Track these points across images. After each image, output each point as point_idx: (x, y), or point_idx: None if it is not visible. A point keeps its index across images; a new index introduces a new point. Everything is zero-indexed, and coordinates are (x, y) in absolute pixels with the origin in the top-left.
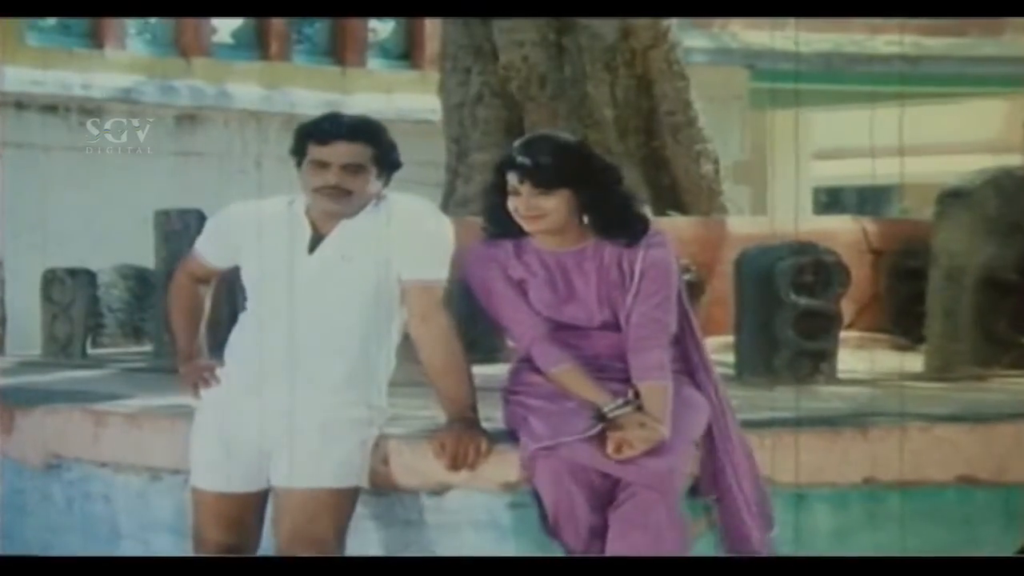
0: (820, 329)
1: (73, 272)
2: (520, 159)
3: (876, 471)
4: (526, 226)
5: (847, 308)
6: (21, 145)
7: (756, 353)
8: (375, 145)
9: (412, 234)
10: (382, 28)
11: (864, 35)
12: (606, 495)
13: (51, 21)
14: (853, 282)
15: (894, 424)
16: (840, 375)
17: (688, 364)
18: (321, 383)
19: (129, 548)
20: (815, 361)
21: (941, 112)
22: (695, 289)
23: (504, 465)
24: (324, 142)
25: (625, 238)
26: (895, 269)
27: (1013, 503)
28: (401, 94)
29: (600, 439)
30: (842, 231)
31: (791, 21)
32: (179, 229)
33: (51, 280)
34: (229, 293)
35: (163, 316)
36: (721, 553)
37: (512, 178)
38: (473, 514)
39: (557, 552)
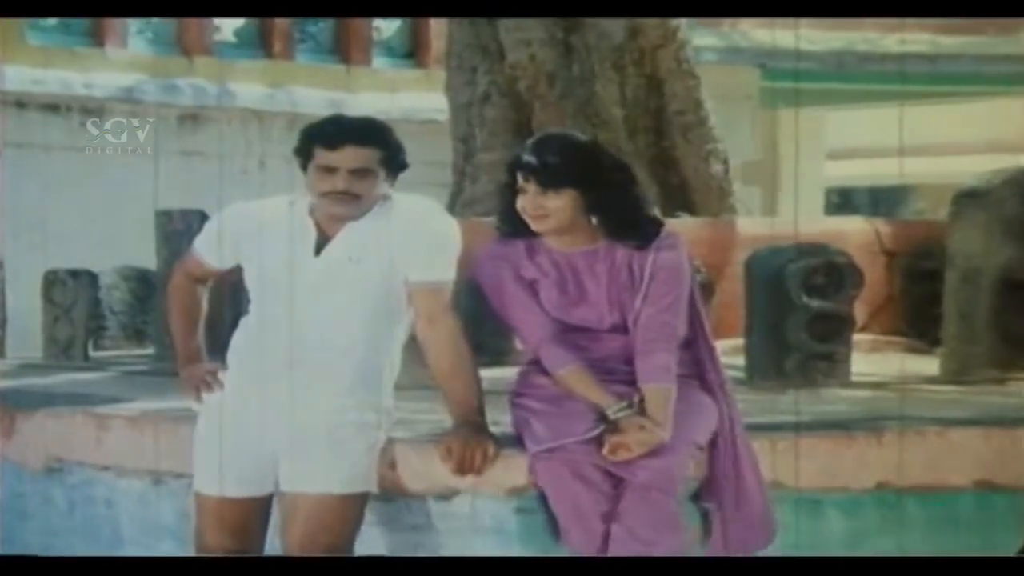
0: (832, 332)
1: (74, 273)
2: (525, 158)
3: (891, 476)
4: (533, 225)
5: (860, 310)
6: (22, 145)
7: (767, 356)
8: (383, 148)
9: (419, 235)
10: (387, 26)
11: (877, 33)
12: (610, 498)
13: (52, 20)
14: (866, 284)
15: (909, 428)
16: (853, 378)
17: (699, 368)
18: (327, 386)
19: (131, 553)
20: (827, 364)
21: (957, 111)
22: (704, 291)
23: (511, 469)
24: (332, 147)
25: (635, 240)
26: (909, 271)
27: None
28: (406, 93)
29: (600, 441)
30: (854, 232)
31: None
32: (181, 230)
33: (52, 281)
34: (231, 295)
35: (164, 318)
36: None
37: (520, 176)
38: (480, 519)
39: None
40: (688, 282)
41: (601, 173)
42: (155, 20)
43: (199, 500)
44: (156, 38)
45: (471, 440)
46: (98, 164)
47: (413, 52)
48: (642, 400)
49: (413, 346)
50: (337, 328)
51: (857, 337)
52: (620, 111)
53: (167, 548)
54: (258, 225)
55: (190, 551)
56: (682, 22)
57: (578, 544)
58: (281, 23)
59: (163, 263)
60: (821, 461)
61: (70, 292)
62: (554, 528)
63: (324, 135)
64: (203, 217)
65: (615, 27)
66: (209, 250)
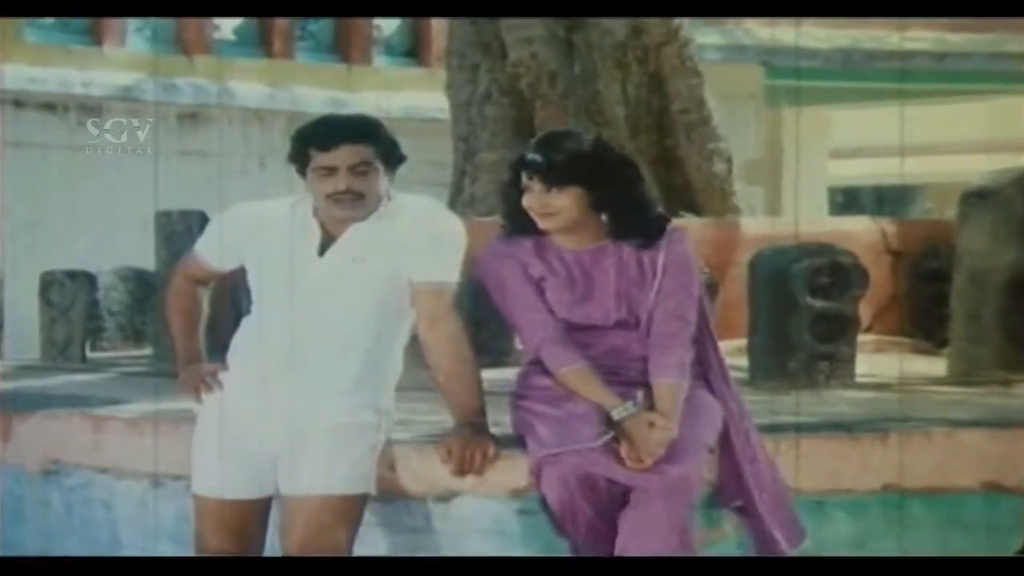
0: (837, 332)
1: (72, 274)
2: (530, 156)
3: (896, 478)
4: (540, 223)
5: (865, 311)
6: (19, 144)
7: (770, 357)
8: (377, 143)
9: (422, 236)
10: (388, 25)
11: (884, 31)
12: (614, 502)
13: (49, 18)
14: (871, 284)
15: (915, 429)
16: (858, 379)
17: (704, 367)
18: (329, 387)
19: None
20: (831, 365)
21: (965, 110)
22: (708, 291)
23: (512, 471)
24: (327, 147)
25: (642, 237)
26: (916, 271)
27: None
28: (407, 92)
29: (608, 447)
30: (860, 232)
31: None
32: (180, 230)
33: (49, 282)
34: (232, 295)
35: (163, 319)
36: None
37: (524, 175)
38: (481, 521)
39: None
40: (698, 275)
41: (607, 171)
42: (154, 18)
43: (198, 502)
44: (155, 36)
45: (472, 441)
46: (96, 164)
47: (414, 51)
48: (646, 396)
49: (413, 347)
50: (339, 329)
51: (862, 338)
52: (622, 110)
53: (166, 551)
54: (261, 226)
55: (189, 554)
56: (685, 20)
57: (576, 547)
58: (281, 21)
59: (162, 264)
60: (825, 463)
61: (68, 293)
62: (554, 529)
63: (317, 137)
64: (203, 217)
65: (618, 25)
66: (211, 252)
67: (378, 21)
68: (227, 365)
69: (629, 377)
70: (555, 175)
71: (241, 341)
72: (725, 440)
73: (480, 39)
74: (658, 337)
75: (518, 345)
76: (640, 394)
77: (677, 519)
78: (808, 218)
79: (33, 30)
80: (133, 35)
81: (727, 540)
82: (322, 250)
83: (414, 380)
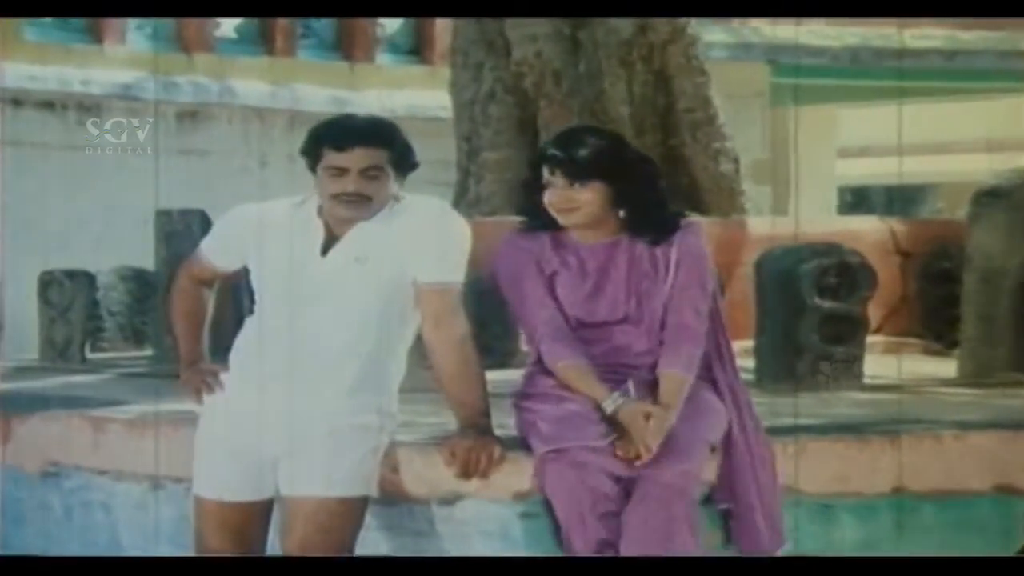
0: (845, 333)
1: (71, 274)
2: (552, 151)
3: (906, 480)
4: (561, 219)
5: (874, 311)
6: (18, 143)
7: (778, 358)
8: (392, 148)
9: (427, 236)
10: (391, 23)
11: (893, 29)
12: (618, 502)
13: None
14: (880, 284)
15: (926, 431)
16: (867, 381)
17: (714, 364)
18: (331, 388)
19: None
20: (840, 366)
21: (975, 108)
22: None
23: (517, 474)
24: (341, 148)
25: (657, 233)
26: (926, 271)
27: None
28: (410, 90)
29: (612, 445)
30: (868, 232)
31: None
32: (181, 229)
33: (48, 282)
34: (234, 296)
35: (164, 319)
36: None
37: (546, 170)
38: (484, 524)
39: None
40: (712, 271)
41: (628, 166)
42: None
43: (199, 504)
44: (155, 34)
45: (476, 443)
46: (95, 163)
47: (417, 49)
48: (640, 388)
49: (417, 348)
50: (343, 329)
51: (871, 339)
52: (627, 109)
53: (166, 553)
54: (265, 226)
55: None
56: (691, 18)
57: (579, 548)
58: (283, 20)
59: (162, 263)
60: (833, 465)
61: (67, 293)
62: (558, 533)
63: (333, 136)
64: (203, 217)
65: (623, 23)
66: (215, 252)
67: (381, 19)
68: (228, 366)
69: (632, 375)
70: (579, 169)
71: (243, 342)
72: (727, 441)
73: (484, 37)
74: (670, 330)
75: (523, 346)
76: (631, 384)
77: (679, 516)
78: (815, 218)
79: (32, 28)
80: (133, 33)
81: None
82: (325, 250)
83: (418, 381)
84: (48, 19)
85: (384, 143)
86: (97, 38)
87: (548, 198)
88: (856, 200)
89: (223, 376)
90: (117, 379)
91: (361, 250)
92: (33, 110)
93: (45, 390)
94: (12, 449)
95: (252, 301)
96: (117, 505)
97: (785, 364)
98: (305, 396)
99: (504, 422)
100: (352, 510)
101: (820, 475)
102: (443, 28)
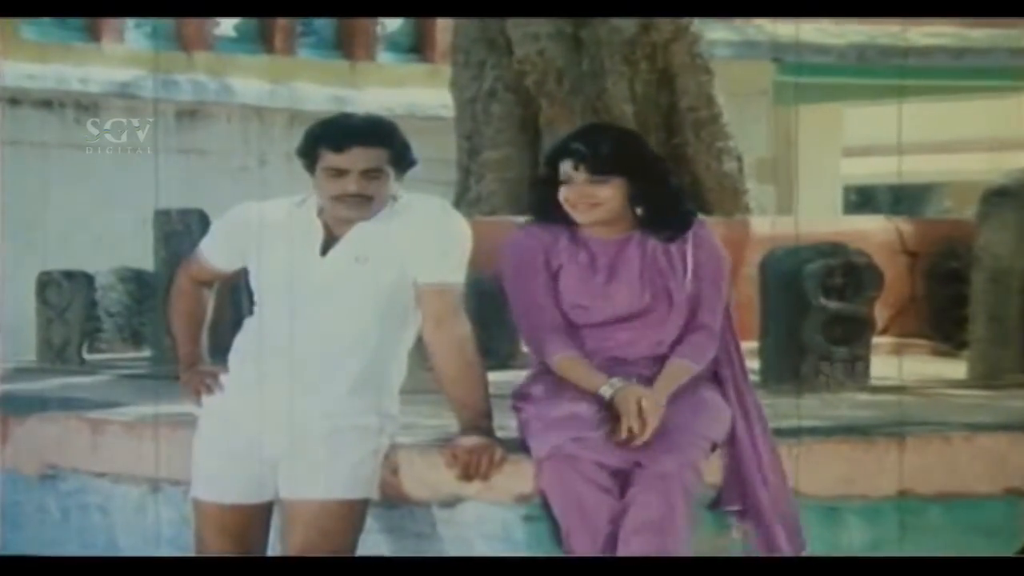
0: (851, 334)
1: (69, 274)
2: (576, 145)
3: (913, 483)
4: (579, 216)
5: (881, 312)
6: (15, 142)
7: (782, 359)
8: (391, 147)
9: (428, 236)
10: (391, 21)
11: (900, 27)
12: (616, 500)
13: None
14: (887, 285)
15: (934, 433)
16: (874, 382)
17: (717, 366)
18: (331, 390)
19: None
20: (845, 367)
21: (984, 107)
22: None
23: (518, 476)
24: (339, 149)
25: (672, 230)
26: (933, 271)
27: None
28: (411, 89)
29: (607, 437)
30: (875, 231)
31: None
32: (180, 229)
33: (46, 283)
34: (233, 296)
35: (163, 320)
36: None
37: (566, 165)
38: (486, 527)
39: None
40: (727, 268)
41: (648, 163)
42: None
43: (198, 507)
44: (154, 33)
45: (477, 445)
46: (93, 162)
47: (418, 47)
48: (641, 382)
49: (418, 349)
50: (343, 330)
51: (878, 340)
52: (630, 107)
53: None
54: (264, 226)
55: None
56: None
57: (580, 548)
58: (283, 17)
59: (161, 263)
60: (838, 467)
61: (65, 294)
62: (559, 535)
63: (330, 137)
64: (202, 216)
65: (626, 21)
66: (214, 252)
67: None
68: (228, 367)
69: (635, 372)
70: (603, 164)
71: (243, 343)
72: (733, 443)
73: (486, 35)
74: (686, 327)
75: (524, 348)
76: (634, 380)
77: (675, 509)
78: (821, 217)
79: (30, 27)
80: (132, 31)
81: (736, 545)
82: (325, 250)
83: (419, 383)
84: (46, 17)
85: (383, 143)
86: (95, 36)
87: (566, 194)
88: (862, 199)
89: (222, 378)
90: (115, 380)
91: (361, 250)
92: (31, 109)
93: (43, 391)
94: (10, 451)
95: (252, 302)
96: (115, 508)
97: (790, 365)
98: (305, 398)
99: (506, 424)
100: (353, 513)
101: (825, 477)
102: (444, 26)
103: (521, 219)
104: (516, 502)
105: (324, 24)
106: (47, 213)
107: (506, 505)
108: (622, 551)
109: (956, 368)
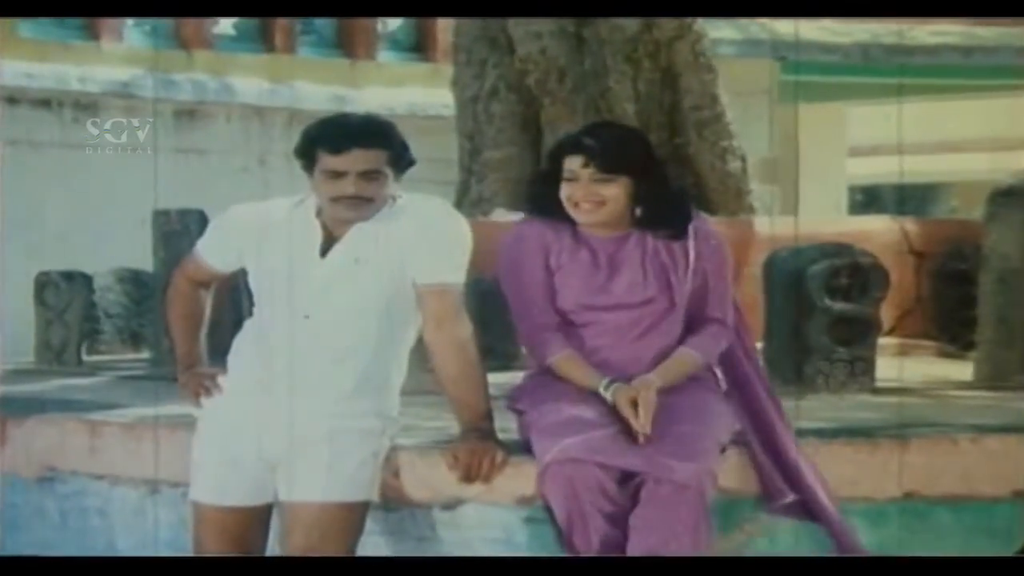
0: (856, 335)
1: (68, 275)
2: (586, 140)
3: (919, 485)
4: (582, 216)
5: (887, 313)
6: (13, 142)
7: (787, 360)
8: (389, 147)
9: (427, 236)
10: (392, 19)
11: (906, 25)
12: (620, 502)
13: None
14: (893, 286)
15: (940, 435)
16: (879, 383)
17: (733, 361)
18: (330, 392)
19: None
20: (850, 369)
21: (992, 106)
22: None
23: (520, 478)
24: (338, 151)
25: (672, 229)
26: (940, 272)
27: None
28: (412, 88)
29: (613, 437)
30: (880, 232)
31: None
32: (179, 230)
33: (45, 284)
34: (232, 297)
35: (162, 321)
36: (833, 554)
37: (573, 162)
38: (487, 529)
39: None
40: (731, 261)
41: (652, 163)
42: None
43: (197, 509)
44: (153, 31)
45: (478, 447)
46: (92, 162)
47: (419, 46)
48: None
49: (419, 350)
50: (342, 332)
51: (884, 341)
52: (633, 106)
53: None
54: (263, 226)
55: None
56: None
57: (581, 549)
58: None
59: (160, 264)
60: (843, 469)
61: (63, 294)
62: (561, 538)
63: (328, 138)
64: (201, 217)
65: (628, 19)
66: (212, 252)
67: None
68: (227, 369)
69: (630, 362)
70: (611, 161)
71: (242, 344)
72: (769, 436)
73: (487, 34)
74: (694, 321)
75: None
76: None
77: (687, 518)
78: (826, 217)
79: (28, 25)
80: (131, 30)
81: (752, 542)
82: (324, 251)
83: (419, 384)
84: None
85: (382, 143)
86: (94, 35)
87: (570, 192)
88: (867, 199)
89: (221, 379)
90: (114, 382)
91: (361, 251)
92: (29, 108)
93: (41, 393)
94: (8, 453)
95: (251, 303)
96: (114, 510)
97: (794, 366)
98: (305, 399)
99: (507, 426)
100: (353, 515)
101: (829, 479)
102: (445, 25)
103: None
104: (517, 504)
105: (324, 23)
106: (45, 213)
107: (507, 507)
108: (632, 553)
109: (963, 369)
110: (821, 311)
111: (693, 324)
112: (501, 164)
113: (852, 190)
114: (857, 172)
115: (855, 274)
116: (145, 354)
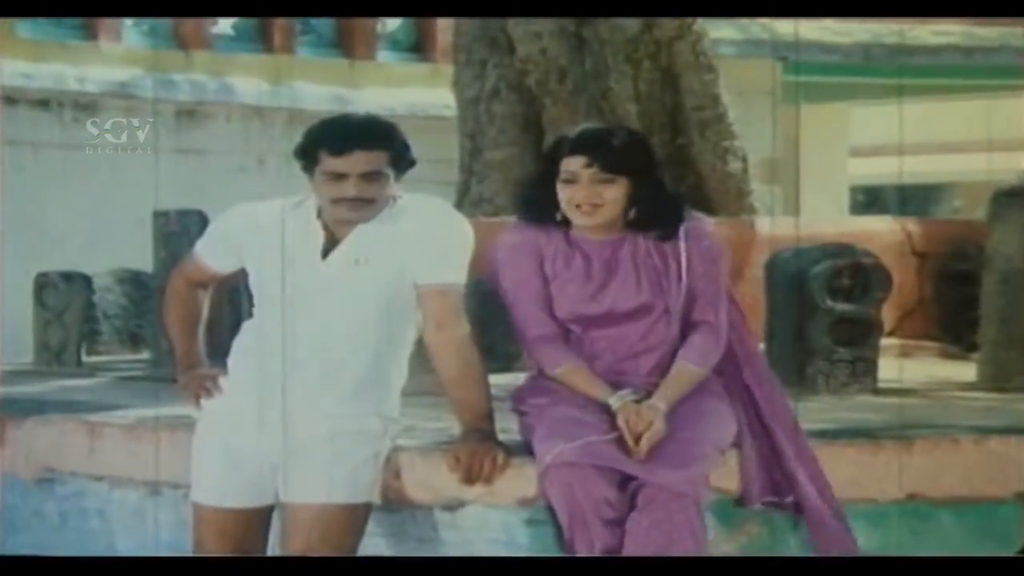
0: (858, 336)
1: (67, 276)
2: (589, 141)
3: (922, 487)
4: (580, 218)
5: (889, 314)
6: (12, 142)
7: (789, 361)
8: (391, 148)
9: (429, 237)
10: (392, 19)
11: (907, 25)
12: (620, 508)
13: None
14: (896, 286)
15: (943, 436)
16: (881, 385)
17: (735, 361)
18: (331, 393)
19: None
20: (852, 370)
21: (995, 106)
22: None
23: (521, 479)
24: (339, 152)
25: (661, 231)
26: (943, 272)
27: None
28: (412, 88)
29: (615, 442)
30: (882, 232)
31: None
32: (178, 230)
33: (44, 284)
34: (232, 298)
35: (161, 322)
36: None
37: (573, 163)
38: (488, 531)
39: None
40: (725, 262)
41: (652, 165)
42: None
43: (197, 510)
44: (152, 31)
45: (479, 449)
46: (90, 162)
47: (419, 46)
48: (648, 395)
49: (419, 351)
50: (343, 333)
51: (887, 342)
52: (634, 107)
53: None
54: (262, 227)
55: None
56: None
57: (582, 553)
58: None
59: (159, 265)
60: (845, 471)
61: (62, 295)
62: (562, 540)
63: (329, 140)
64: (201, 217)
65: (629, 19)
66: (210, 253)
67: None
68: (227, 370)
69: (631, 370)
70: (611, 162)
71: (242, 345)
72: (766, 438)
73: (487, 34)
74: (688, 326)
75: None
76: (643, 391)
77: (683, 524)
78: (828, 218)
79: (27, 25)
80: (129, 30)
81: (750, 543)
82: (325, 253)
83: (420, 385)
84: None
85: (383, 145)
86: (93, 35)
87: (571, 194)
88: (869, 200)
89: (222, 380)
90: (114, 383)
91: (361, 252)
92: (27, 108)
93: (40, 394)
94: (7, 455)
95: (251, 304)
96: (113, 512)
97: (795, 367)
98: (305, 401)
99: (508, 427)
100: (354, 517)
101: (832, 480)
102: (445, 25)
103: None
104: (519, 506)
105: (324, 23)
106: (44, 214)
107: (508, 509)
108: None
109: (965, 370)
110: (823, 312)
111: (685, 327)
112: (502, 164)
113: (854, 190)
114: (859, 172)
115: (857, 275)
116: (145, 355)
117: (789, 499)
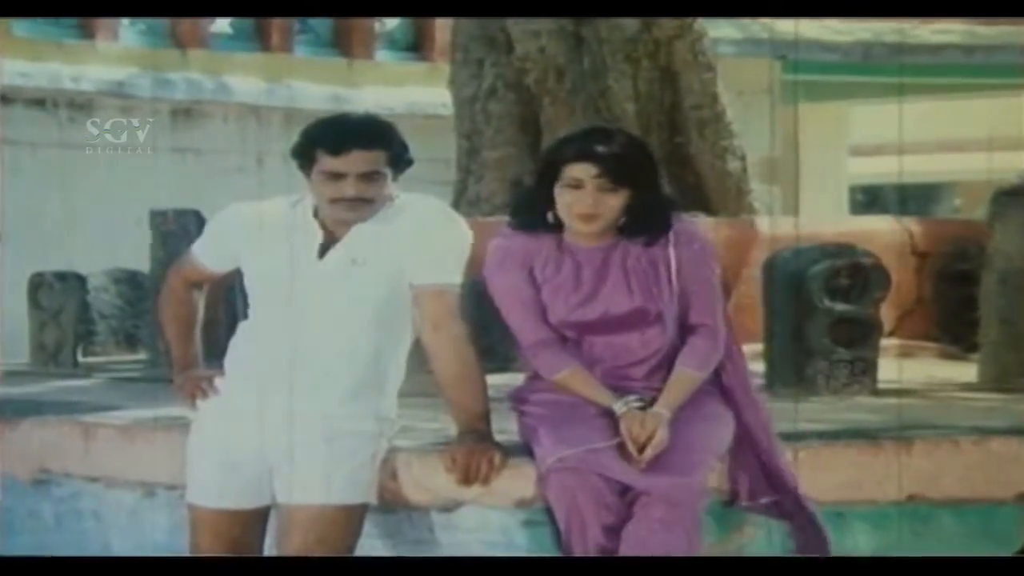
0: (857, 337)
1: (62, 276)
2: (598, 148)
3: (923, 488)
4: (579, 225)
5: (889, 314)
6: (8, 142)
7: (788, 362)
8: (389, 148)
9: (426, 237)
10: (390, 19)
11: (908, 24)
12: (619, 514)
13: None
14: (895, 286)
15: (943, 437)
16: (881, 385)
17: (723, 370)
18: (328, 394)
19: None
20: (852, 370)
21: (996, 105)
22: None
23: (519, 480)
24: (337, 152)
25: (650, 235)
26: (943, 272)
27: None
28: (410, 87)
29: (616, 450)
30: (882, 232)
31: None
32: (175, 230)
33: (39, 285)
34: (229, 298)
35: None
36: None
37: (580, 170)
38: (486, 532)
39: None
40: (715, 264)
41: (655, 174)
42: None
43: (193, 512)
44: (148, 30)
45: (476, 449)
46: (86, 161)
47: (417, 45)
48: (652, 401)
49: (416, 351)
50: (340, 333)
51: (886, 342)
52: (633, 106)
53: None
54: (259, 227)
55: None
56: None
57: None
58: None
59: (156, 265)
60: (845, 472)
61: (58, 296)
62: (560, 541)
63: (327, 139)
64: (198, 217)
65: (628, 18)
66: (207, 253)
67: None
68: (223, 370)
69: (628, 375)
70: (621, 172)
71: (238, 345)
72: (751, 440)
73: (485, 33)
74: (685, 330)
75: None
76: (649, 396)
77: (682, 528)
78: (827, 217)
79: (23, 24)
80: (126, 29)
81: (749, 544)
82: (322, 252)
83: (417, 386)
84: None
85: (381, 144)
86: (89, 34)
87: (572, 200)
88: (869, 199)
89: (218, 381)
90: (109, 383)
91: (358, 252)
92: (23, 108)
93: (36, 395)
94: (3, 456)
95: (246, 304)
96: (109, 513)
97: (795, 368)
98: (302, 401)
99: (505, 427)
100: (351, 517)
101: (831, 482)
102: (443, 24)
103: (515, 219)
104: (516, 507)
105: (321, 22)
106: (41, 213)
107: (505, 510)
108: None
109: (965, 371)
110: (822, 312)
111: (682, 331)
112: (499, 164)
113: (853, 190)
114: (858, 172)
115: (856, 275)
116: (140, 355)
117: (765, 500)
